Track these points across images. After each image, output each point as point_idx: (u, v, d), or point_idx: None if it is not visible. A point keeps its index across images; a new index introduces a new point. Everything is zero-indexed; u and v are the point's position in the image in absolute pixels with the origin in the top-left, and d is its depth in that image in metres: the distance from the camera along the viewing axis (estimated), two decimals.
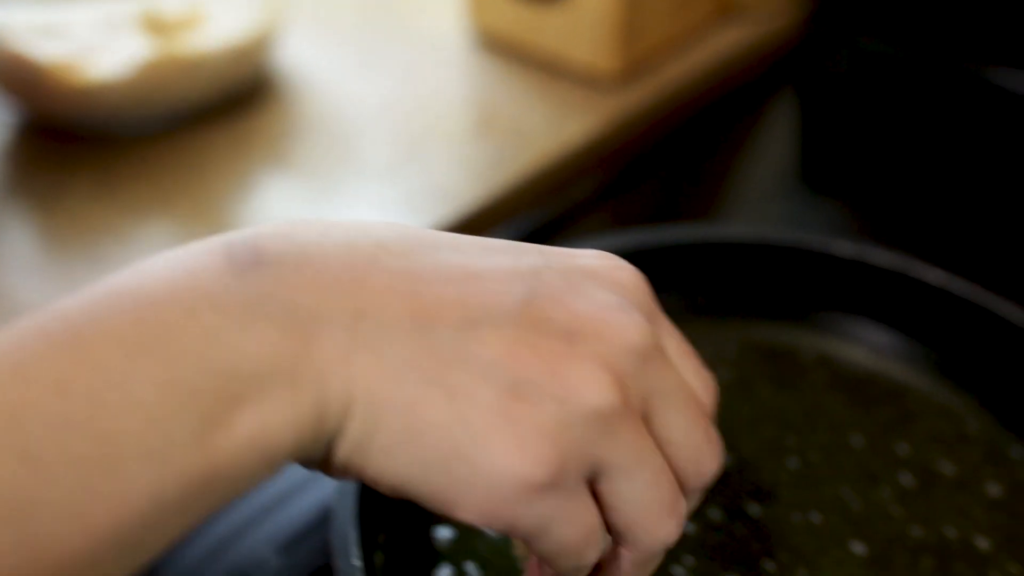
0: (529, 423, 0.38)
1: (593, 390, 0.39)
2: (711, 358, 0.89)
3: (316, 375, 0.38)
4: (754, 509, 0.78)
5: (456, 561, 0.72)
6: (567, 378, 0.39)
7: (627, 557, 0.46)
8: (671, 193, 1.30)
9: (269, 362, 0.37)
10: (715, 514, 0.77)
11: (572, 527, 0.41)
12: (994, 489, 0.81)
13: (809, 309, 0.96)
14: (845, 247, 0.92)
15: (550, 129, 1.17)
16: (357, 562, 0.64)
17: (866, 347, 0.93)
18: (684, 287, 0.96)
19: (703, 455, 0.47)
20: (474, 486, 0.38)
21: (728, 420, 0.85)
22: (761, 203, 1.27)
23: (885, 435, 0.85)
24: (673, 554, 0.73)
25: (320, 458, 0.42)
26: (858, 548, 0.76)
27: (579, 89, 1.24)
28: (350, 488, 0.67)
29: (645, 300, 0.46)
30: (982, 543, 0.76)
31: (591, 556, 0.44)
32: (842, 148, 1.33)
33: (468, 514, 0.40)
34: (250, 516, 0.83)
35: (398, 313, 0.39)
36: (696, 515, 0.75)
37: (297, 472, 0.87)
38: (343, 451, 0.40)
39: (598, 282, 0.43)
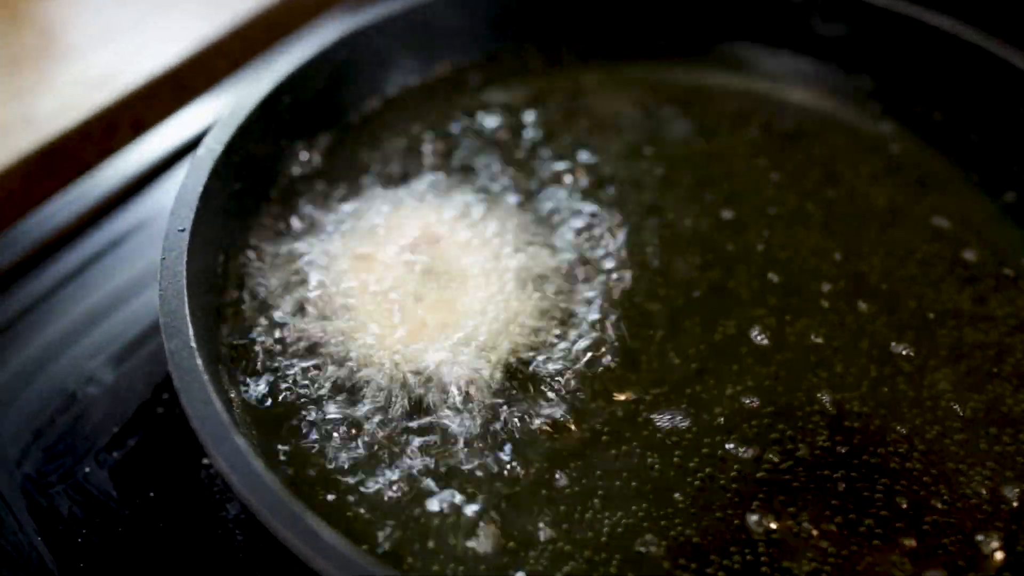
0: None
1: None
2: (615, 111, 0.79)
3: None
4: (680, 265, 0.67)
5: None
6: None
7: None
8: None
9: None
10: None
11: None
12: (937, 221, 0.71)
13: (709, 42, 0.84)
14: None
15: None
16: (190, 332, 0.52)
17: (780, 79, 0.82)
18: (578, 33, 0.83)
19: None
20: None
21: (649, 171, 0.73)
22: None
23: (807, 170, 0.74)
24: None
25: None
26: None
27: None
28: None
29: None
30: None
31: None
32: None
33: None
34: (72, 324, 0.69)
35: None
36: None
37: (130, 270, 0.74)
38: None
39: None
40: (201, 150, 0.62)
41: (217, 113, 0.86)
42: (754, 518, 0.53)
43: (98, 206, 0.78)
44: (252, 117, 0.66)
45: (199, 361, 0.50)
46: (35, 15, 0.95)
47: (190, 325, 0.52)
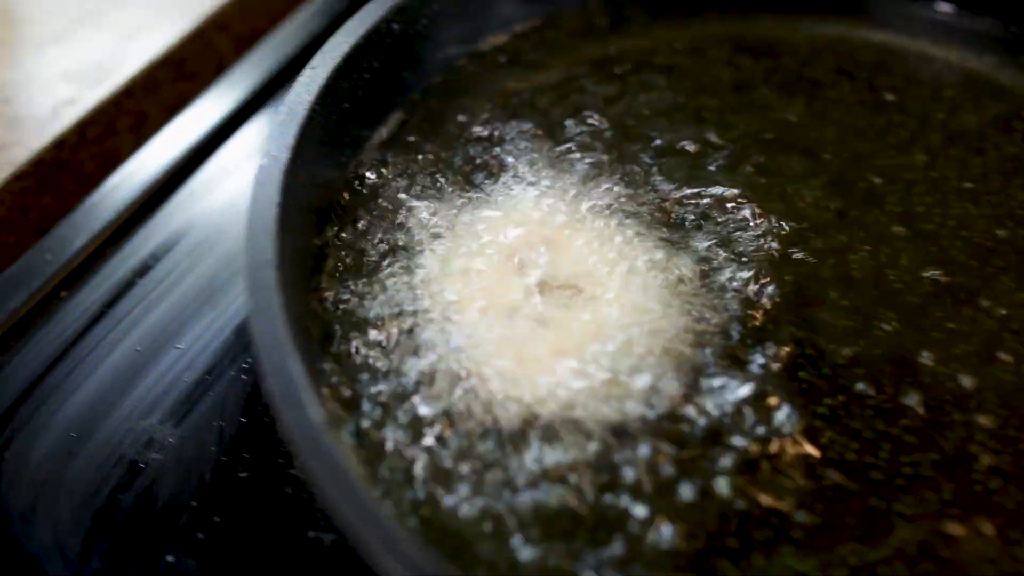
0: None
1: None
2: (694, 66, 0.69)
3: None
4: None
5: None
6: None
7: None
8: None
9: None
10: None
11: None
12: None
13: None
14: None
15: None
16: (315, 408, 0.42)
17: (888, 27, 0.73)
18: None
19: None
20: None
21: (733, 137, 0.64)
22: None
23: (930, 129, 0.66)
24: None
25: None
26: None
27: None
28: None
29: None
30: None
31: None
32: None
33: None
34: (112, 375, 0.58)
35: None
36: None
37: (167, 300, 0.63)
38: None
39: None
40: (265, 160, 0.51)
41: (228, 105, 0.74)
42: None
43: (113, 224, 0.66)
44: (312, 111, 0.55)
45: (325, 439, 0.40)
46: None
47: (304, 387, 0.42)
